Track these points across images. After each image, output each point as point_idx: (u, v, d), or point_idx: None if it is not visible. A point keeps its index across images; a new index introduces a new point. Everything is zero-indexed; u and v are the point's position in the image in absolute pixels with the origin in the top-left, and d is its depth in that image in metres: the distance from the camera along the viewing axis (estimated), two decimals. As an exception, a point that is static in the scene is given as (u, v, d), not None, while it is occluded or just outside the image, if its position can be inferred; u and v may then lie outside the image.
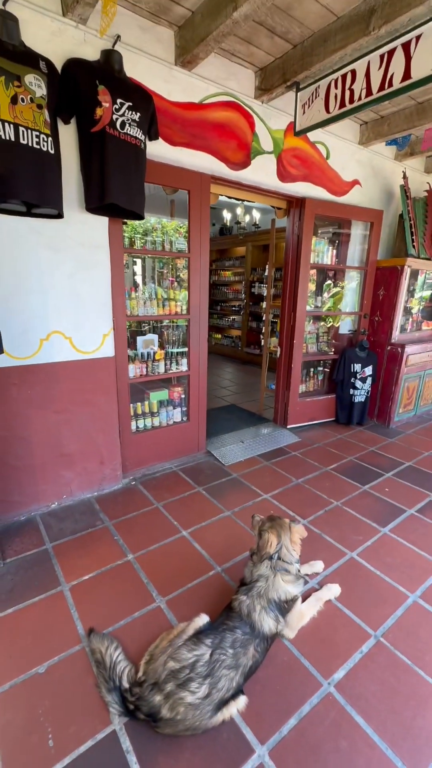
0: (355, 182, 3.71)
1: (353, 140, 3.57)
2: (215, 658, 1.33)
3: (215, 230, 7.96)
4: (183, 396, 3.28)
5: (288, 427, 3.93)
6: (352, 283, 4.18)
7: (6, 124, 1.75)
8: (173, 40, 2.41)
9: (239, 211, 6.56)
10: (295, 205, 3.46)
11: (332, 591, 1.87)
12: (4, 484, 2.35)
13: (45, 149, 1.89)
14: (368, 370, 3.94)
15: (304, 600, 1.75)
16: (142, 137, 2.20)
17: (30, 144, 1.84)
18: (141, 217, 2.35)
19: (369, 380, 3.98)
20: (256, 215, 6.83)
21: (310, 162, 3.30)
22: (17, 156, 1.81)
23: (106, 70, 2.07)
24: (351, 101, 2.39)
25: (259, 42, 2.48)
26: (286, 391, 3.87)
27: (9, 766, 1.22)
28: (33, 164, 1.86)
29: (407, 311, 4.15)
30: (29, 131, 1.82)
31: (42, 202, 1.94)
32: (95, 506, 2.60)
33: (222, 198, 3.27)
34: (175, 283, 3.24)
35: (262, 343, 4.59)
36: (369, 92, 2.28)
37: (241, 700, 1.35)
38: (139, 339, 3.02)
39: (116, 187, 2.11)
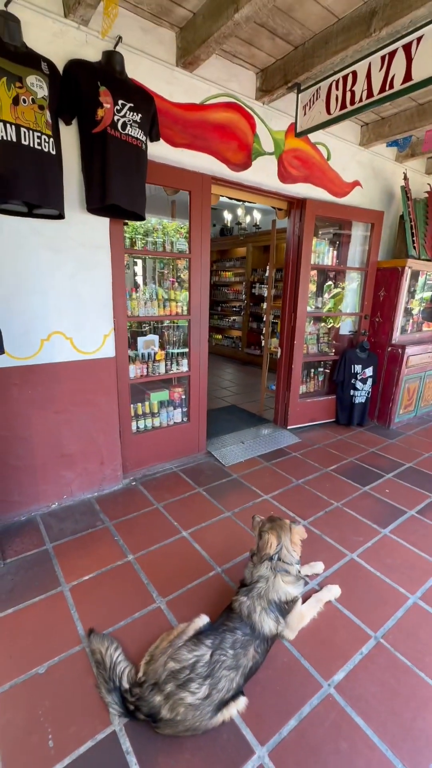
0: (356, 183, 3.71)
1: (354, 141, 3.57)
2: (215, 658, 1.33)
3: (216, 231, 7.97)
4: (183, 396, 3.28)
5: (288, 427, 3.93)
6: (352, 284, 4.18)
7: (7, 125, 1.76)
8: (175, 41, 2.41)
9: (240, 211, 6.57)
10: (296, 206, 3.46)
11: (332, 592, 1.87)
12: (4, 484, 2.35)
13: (46, 150, 1.90)
14: (369, 371, 3.94)
15: (304, 601, 1.75)
16: (144, 138, 2.21)
17: (31, 145, 1.84)
18: (142, 218, 2.35)
19: (369, 381, 3.98)
20: (257, 216, 6.84)
21: (310, 163, 3.30)
22: (18, 157, 1.81)
23: (108, 72, 2.07)
24: (352, 103, 2.39)
25: (260, 43, 2.48)
26: (286, 391, 3.87)
27: (9, 767, 1.22)
28: (34, 165, 1.86)
29: (408, 312, 4.15)
30: (31, 132, 1.83)
31: (43, 202, 1.95)
32: (95, 506, 2.60)
33: (223, 199, 3.27)
34: (176, 284, 3.24)
35: (263, 344, 4.60)
36: (370, 94, 2.28)
37: (241, 701, 1.34)
38: (140, 339, 3.03)
39: (117, 188, 2.11)
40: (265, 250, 6.95)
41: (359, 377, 3.93)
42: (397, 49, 2.10)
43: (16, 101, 1.76)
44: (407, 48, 2.06)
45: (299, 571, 1.68)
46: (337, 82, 2.44)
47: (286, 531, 1.69)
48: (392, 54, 2.13)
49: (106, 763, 1.24)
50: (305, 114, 2.73)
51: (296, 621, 1.63)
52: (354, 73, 2.34)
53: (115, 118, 2.05)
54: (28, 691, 1.44)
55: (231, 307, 7.88)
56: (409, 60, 2.06)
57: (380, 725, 1.36)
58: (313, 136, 3.21)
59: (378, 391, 4.14)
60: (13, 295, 2.17)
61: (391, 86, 2.17)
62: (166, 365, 3.08)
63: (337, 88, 2.45)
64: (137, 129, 2.15)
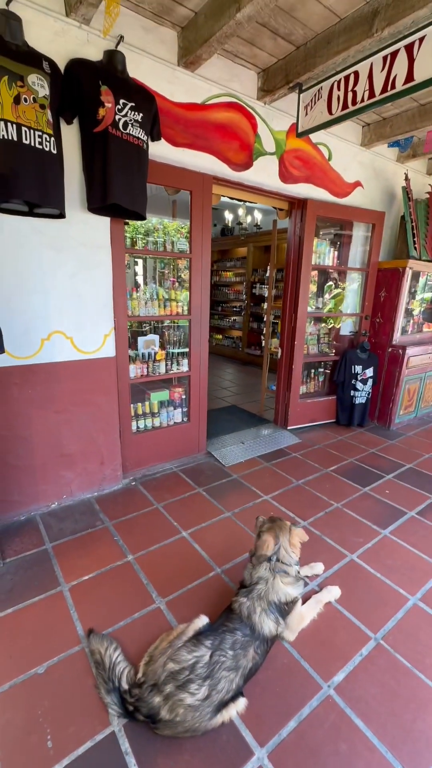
0: (357, 184, 3.71)
1: (355, 142, 3.57)
2: (215, 659, 1.33)
3: (217, 231, 7.97)
4: (184, 396, 3.28)
5: (288, 428, 3.93)
6: (353, 284, 4.18)
7: (9, 124, 1.75)
8: (176, 40, 2.41)
9: (241, 211, 6.56)
10: (297, 206, 3.46)
11: (332, 593, 1.87)
12: (4, 484, 2.34)
13: (47, 149, 1.90)
14: (369, 372, 3.93)
15: (304, 602, 1.75)
16: (145, 138, 2.20)
17: (32, 144, 1.84)
18: (143, 218, 2.35)
19: (370, 382, 3.97)
20: (258, 216, 6.83)
21: (312, 163, 3.30)
22: (20, 156, 1.81)
23: (109, 71, 2.07)
24: (354, 103, 2.39)
25: (262, 43, 2.48)
26: (286, 392, 3.87)
27: (8, 767, 1.22)
28: (35, 164, 1.86)
29: (408, 313, 4.15)
30: (32, 131, 1.82)
31: (44, 202, 1.94)
32: (95, 506, 2.60)
33: (224, 199, 3.27)
34: (177, 284, 3.24)
35: (263, 344, 4.59)
36: (372, 94, 2.28)
37: (241, 702, 1.34)
38: (140, 339, 3.02)
39: (118, 188, 2.11)
40: (265, 250, 6.95)
41: (360, 378, 3.92)
42: (399, 49, 2.09)
43: (17, 100, 1.76)
44: (409, 48, 2.05)
45: (299, 572, 1.68)
46: (339, 82, 2.43)
47: (285, 532, 1.69)
48: (394, 54, 2.12)
49: (105, 763, 1.23)
50: (307, 114, 2.72)
51: (296, 622, 1.62)
52: (356, 74, 2.33)
53: (117, 117, 2.05)
54: (28, 691, 1.44)
55: (231, 307, 7.88)
56: (411, 60, 2.06)
57: (380, 727, 1.36)
58: (314, 137, 3.21)
59: (378, 392, 4.14)
60: (13, 295, 2.16)
61: (393, 87, 2.17)
62: (166, 365, 3.08)
63: (338, 89, 2.45)
64: (138, 128, 2.14)
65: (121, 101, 2.05)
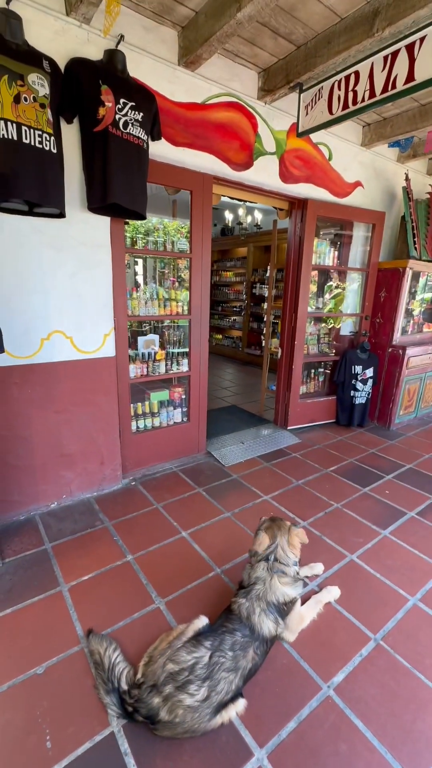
0: (358, 184, 3.71)
1: (356, 142, 3.57)
2: (214, 660, 1.33)
3: (217, 231, 7.96)
4: (183, 396, 3.27)
5: (288, 428, 3.93)
6: (353, 284, 4.18)
7: (9, 123, 1.75)
8: (177, 40, 2.41)
9: (241, 211, 6.56)
10: (297, 206, 3.45)
11: (332, 593, 1.87)
12: (3, 484, 2.34)
13: (47, 148, 1.89)
14: (369, 372, 3.93)
15: (303, 602, 1.75)
16: (145, 137, 2.20)
17: (32, 143, 1.83)
18: (143, 217, 2.34)
19: (370, 382, 3.97)
20: (258, 216, 6.83)
21: (312, 163, 3.30)
22: (19, 155, 1.80)
23: (110, 70, 2.07)
24: (354, 103, 2.39)
25: (262, 43, 2.48)
26: (286, 392, 3.87)
27: (7, 767, 1.22)
28: (35, 163, 1.86)
29: (408, 313, 4.15)
30: (32, 130, 1.82)
31: (44, 201, 1.94)
32: (95, 506, 2.59)
33: (224, 199, 3.27)
34: (177, 284, 3.24)
35: (263, 344, 4.59)
36: (372, 94, 2.28)
37: (240, 703, 1.34)
38: (140, 339, 3.02)
39: (119, 187, 2.11)
40: (266, 250, 6.95)
41: (360, 378, 3.92)
42: (399, 49, 2.09)
43: (17, 99, 1.76)
44: (410, 48, 2.05)
45: (297, 573, 1.67)
46: (340, 82, 2.43)
47: (284, 532, 1.69)
48: (395, 54, 2.12)
49: (104, 764, 1.23)
50: (307, 114, 2.72)
51: (295, 623, 1.62)
52: (356, 73, 2.33)
53: (117, 116, 2.05)
54: (27, 691, 1.44)
55: (231, 307, 7.88)
56: (411, 60, 2.06)
57: (380, 727, 1.35)
58: (314, 136, 3.21)
59: (378, 392, 4.14)
60: (13, 294, 2.16)
61: (394, 86, 2.17)
62: (166, 365, 3.07)
63: (339, 88, 2.45)
64: (139, 128, 2.14)
65: (122, 101, 2.05)
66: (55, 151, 1.94)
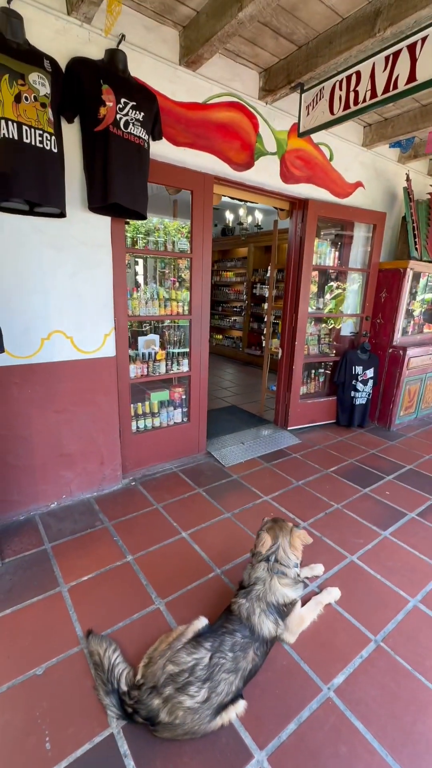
0: (359, 184, 3.70)
1: (357, 142, 3.56)
2: (215, 661, 1.32)
3: (217, 231, 7.96)
4: (184, 397, 3.27)
5: (288, 428, 3.92)
6: (354, 285, 4.17)
7: (9, 123, 1.75)
8: (178, 40, 2.40)
9: (242, 211, 6.56)
10: (298, 206, 3.45)
11: (332, 594, 1.86)
12: (3, 484, 2.34)
13: (48, 148, 1.89)
14: (369, 373, 3.93)
15: (304, 603, 1.74)
16: (146, 137, 2.20)
17: (33, 143, 1.83)
18: (144, 217, 2.34)
19: (370, 383, 3.97)
20: (259, 216, 6.83)
21: (313, 163, 3.29)
22: (20, 155, 1.80)
23: (111, 70, 2.06)
24: (355, 103, 2.38)
25: (263, 43, 2.47)
26: (287, 392, 3.87)
27: (6, 769, 1.21)
28: (36, 163, 1.85)
29: (409, 314, 4.15)
30: (33, 130, 1.82)
31: (44, 201, 1.94)
32: (95, 506, 2.59)
33: (225, 199, 3.27)
34: (177, 284, 3.23)
35: (264, 344, 4.59)
36: (374, 94, 2.27)
37: (241, 705, 1.33)
38: (141, 339, 3.02)
39: (119, 187, 2.10)
40: (266, 250, 6.94)
41: (360, 378, 3.92)
42: (401, 49, 2.09)
43: (18, 99, 1.75)
44: (412, 48, 2.05)
45: (298, 575, 1.67)
46: (341, 82, 2.43)
47: (286, 533, 1.68)
48: (396, 54, 2.12)
49: (104, 765, 1.23)
50: (308, 114, 2.72)
51: (296, 624, 1.62)
52: (358, 74, 2.33)
53: (118, 116, 2.04)
54: (26, 692, 1.43)
55: (232, 308, 7.88)
56: (413, 60, 2.05)
57: (380, 729, 1.35)
58: (315, 137, 3.20)
59: (379, 393, 4.13)
60: (13, 294, 2.16)
61: (395, 87, 2.16)
62: (166, 365, 3.07)
63: (340, 89, 2.44)
64: (140, 127, 2.14)
65: (123, 100, 2.05)
66: (55, 150, 1.93)
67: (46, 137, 1.87)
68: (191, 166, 2.68)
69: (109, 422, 2.69)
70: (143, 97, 2.16)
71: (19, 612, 1.77)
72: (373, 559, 2.17)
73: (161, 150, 2.48)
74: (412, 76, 2.08)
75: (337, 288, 4.13)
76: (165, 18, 2.28)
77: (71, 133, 2.12)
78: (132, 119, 2.09)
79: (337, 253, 3.97)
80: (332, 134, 3.35)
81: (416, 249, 3.87)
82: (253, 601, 1.52)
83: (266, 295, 6.42)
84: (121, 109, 2.05)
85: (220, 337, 8.15)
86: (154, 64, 2.36)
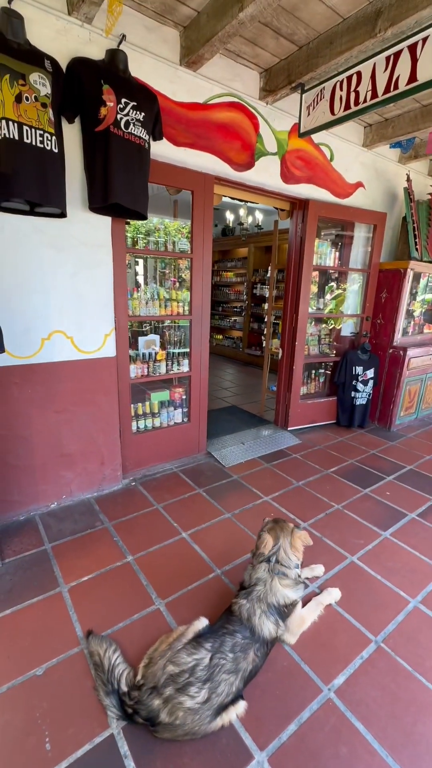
0: (359, 184, 3.70)
1: (357, 142, 3.56)
2: (215, 662, 1.32)
3: (217, 231, 7.96)
4: (184, 397, 3.27)
5: (289, 429, 3.92)
6: (354, 285, 4.17)
7: (10, 123, 1.75)
8: (178, 40, 2.40)
9: (242, 212, 6.56)
10: (299, 206, 3.45)
11: (332, 595, 1.86)
12: (3, 484, 2.34)
13: (49, 148, 1.89)
14: (370, 373, 3.93)
15: (304, 604, 1.74)
16: (147, 137, 2.20)
17: (34, 143, 1.83)
18: (144, 217, 2.34)
19: (370, 383, 3.97)
20: (259, 216, 6.83)
21: (313, 164, 3.29)
22: (21, 155, 1.80)
23: (111, 70, 2.06)
24: (356, 103, 2.38)
25: (264, 43, 2.47)
26: (287, 392, 3.86)
27: (6, 770, 1.21)
28: (36, 163, 1.85)
29: (409, 314, 4.14)
30: (33, 130, 1.82)
31: (45, 201, 1.93)
32: (95, 507, 2.59)
33: (225, 199, 3.27)
34: (177, 284, 3.23)
35: (264, 345, 4.59)
36: (374, 94, 2.27)
37: (241, 705, 1.33)
38: (141, 339, 3.02)
39: (120, 187, 2.10)
40: (266, 250, 6.94)
41: (360, 379, 3.91)
42: (402, 49, 2.09)
43: (18, 99, 1.75)
44: (412, 49, 2.05)
45: (299, 575, 1.67)
46: (342, 82, 2.43)
47: (287, 533, 1.68)
48: (397, 55, 2.12)
49: (104, 766, 1.23)
50: (309, 114, 2.72)
51: (296, 625, 1.61)
52: (358, 74, 2.33)
53: (118, 116, 2.04)
54: (26, 692, 1.43)
55: (232, 308, 7.88)
56: (414, 61, 2.05)
57: (380, 730, 1.35)
58: (316, 137, 3.20)
59: (379, 393, 4.13)
60: (14, 294, 2.16)
61: (396, 87, 2.16)
62: (166, 365, 3.07)
63: (341, 89, 2.44)
64: (140, 128, 2.13)
65: (123, 100, 2.05)
66: (56, 150, 1.93)
67: (47, 137, 1.87)
68: (192, 167, 2.68)
69: (110, 422, 2.69)
70: (144, 97, 2.16)
71: (19, 612, 1.77)
72: (374, 559, 2.17)
73: (162, 150, 2.48)
74: (412, 77, 2.08)
75: (338, 288, 4.13)
76: (166, 18, 2.28)
77: (72, 133, 2.12)
78: (133, 119, 2.09)
79: (337, 253, 3.97)
80: (333, 134, 3.35)
81: (416, 249, 3.87)
82: (254, 602, 1.51)
83: (266, 296, 6.41)
84: (122, 110, 2.05)
85: (221, 337, 8.15)
86: (155, 65, 2.36)
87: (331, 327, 4.27)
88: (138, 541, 2.26)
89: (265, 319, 5.26)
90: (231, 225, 7.35)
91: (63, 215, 2.13)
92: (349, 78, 2.38)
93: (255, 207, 6.56)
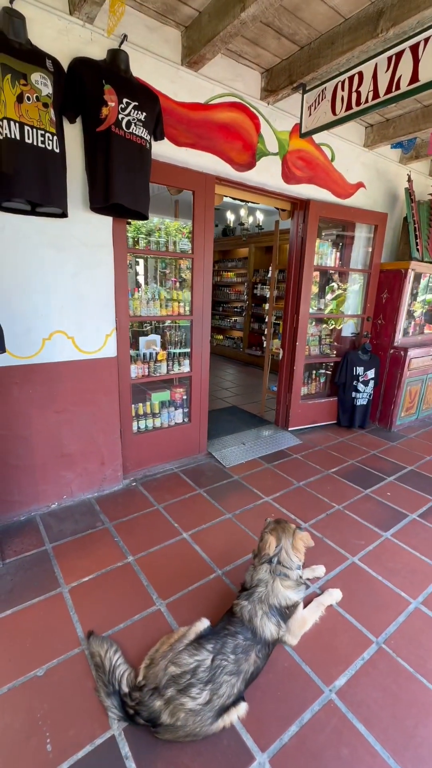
0: (360, 185, 3.70)
1: (358, 143, 3.56)
2: (217, 663, 1.32)
3: (218, 231, 7.96)
4: (185, 397, 3.27)
5: (289, 429, 3.92)
6: (355, 285, 4.17)
7: (11, 123, 1.74)
8: (180, 40, 2.40)
9: (243, 212, 6.56)
10: (300, 207, 3.45)
11: (333, 596, 1.86)
12: (4, 484, 2.33)
13: (50, 148, 1.89)
14: (370, 374, 3.92)
15: (305, 605, 1.74)
16: (148, 137, 2.20)
17: (35, 143, 1.83)
18: (145, 218, 2.34)
19: (371, 383, 3.96)
20: (260, 217, 6.82)
21: (315, 164, 3.29)
22: (22, 155, 1.80)
23: (113, 70, 2.06)
24: (357, 103, 2.38)
25: (266, 43, 2.47)
26: (287, 393, 3.86)
27: (7, 771, 1.21)
28: (38, 163, 1.85)
29: (410, 314, 4.14)
30: (34, 130, 1.81)
31: (46, 201, 1.93)
32: (95, 507, 2.59)
33: (226, 199, 3.27)
34: (178, 284, 3.23)
35: (265, 345, 4.59)
36: (376, 95, 2.27)
37: (242, 707, 1.33)
38: (142, 339, 3.02)
39: (121, 187, 2.10)
40: (267, 250, 6.94)
41: (361, 379, 3.91)
42: (404, 49, 2.09)
43: (20, 99, 1.75)
44: (414, 49, 2.04)
45: (300, 577, 1.67)
46: (343, 82, 2.43)
47: (289, 534, 1.68)
48: (399, 55, 2.12)
49: (104, 767, 1.22)
50: (310, 115, 2.72)
51: (298, 626, 1.61)
52: (360, 74, 2.32)
53: (120, 116, 2.04)
54: (27, 693, 1.43)
55: (233, 308, 7.87)
56: (416, 61, 2.05)
57: (382, 732, 1.35)
58: (317, 137, 3.20)
59: (380, 394, 4.13)
60: (14, 294, 2.15)
61: (398, 87, 2.16)
62: (167, 365, 3.07)
63: (342, 89, 2.44)
64: (141, 128, 2.13)
65: (125, 100, 2.05)
66: (57, 150, 1.93)
67: (48, 137, 1.87)
68: (193, 167, 2.68)
69: (110, 422, 2.68)
70: (145, 97, 2.16)
71: (20, 613, 1.77)
72: (375, 560, 2.17)
73: (163, 150, 2.48)
74: (414, 77, 2.08)
75: (338, 288, 4.13)
76: (167, 18, 2.27)
77: (73, 133, 2.12)
78: (134, 119, 2.09)
79: (338, 253, 3.97)
80: (334, 135, 3.34)
81: (417, 250, 3.87)
82: (256, 603, 1.51)
83: (267, 296, 6.41)
84: (123, 109, 2.05)
85: (221, 337, 8.15)
86: (156, 65, 2.35)
87: (331, 327, 4.26)
88: (139, 542, 2.25)
89: (266, 320, 5.26)
90: (232, 225, 7.34)
91: (64, 215, 2.13)
92: (351, 78, 2.38)
93: (256, 207, 6.56)
